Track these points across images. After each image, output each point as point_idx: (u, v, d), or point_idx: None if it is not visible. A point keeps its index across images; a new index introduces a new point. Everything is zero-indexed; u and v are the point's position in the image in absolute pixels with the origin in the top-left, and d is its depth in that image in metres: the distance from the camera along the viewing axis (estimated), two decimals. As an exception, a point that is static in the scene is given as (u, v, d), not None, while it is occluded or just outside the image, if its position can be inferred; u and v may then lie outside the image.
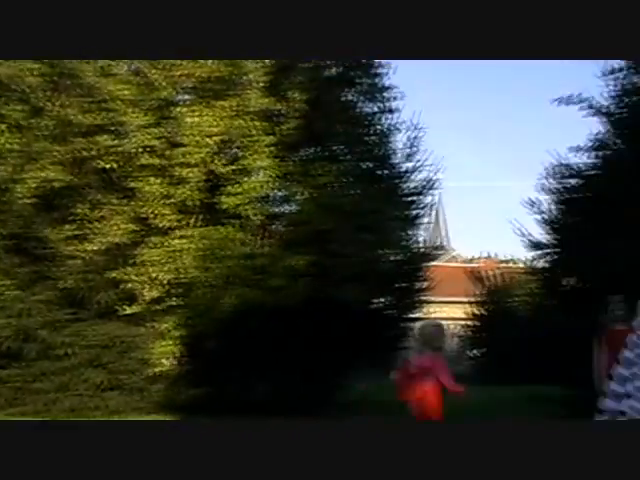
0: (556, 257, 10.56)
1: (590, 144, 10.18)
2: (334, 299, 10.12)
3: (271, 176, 10.57)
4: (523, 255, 25.06)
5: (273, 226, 11.44)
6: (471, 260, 33.14)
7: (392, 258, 11.43)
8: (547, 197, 10.75)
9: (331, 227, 10.03)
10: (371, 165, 11.75)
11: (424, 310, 14.54)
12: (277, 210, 11.31)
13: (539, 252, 11.01)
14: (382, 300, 12.26)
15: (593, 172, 10.30)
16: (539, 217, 10.77)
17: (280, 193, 11.18)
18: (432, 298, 22.10)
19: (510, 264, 24.96)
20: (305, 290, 10.00)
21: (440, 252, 32.87)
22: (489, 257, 31.27)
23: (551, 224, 10.66)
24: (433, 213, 41.97)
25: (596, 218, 9.69)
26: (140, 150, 10.41)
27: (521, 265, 14.42)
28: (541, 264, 11.29)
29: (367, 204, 10.27)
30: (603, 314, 7.43)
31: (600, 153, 10.10)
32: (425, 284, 13.69)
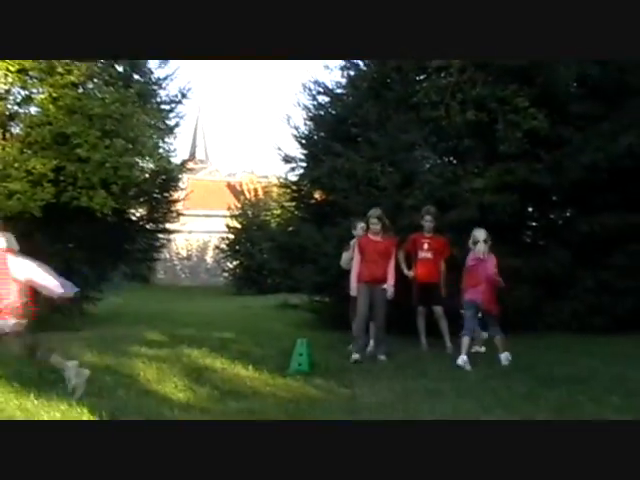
0: (305, 171, 10.93)
1: (340, 64, 10.53)
2: (80, 207, 9.47)
3: (8, 70, 9.33)
4: (279, 170, 25.99)
5: (11, 127, 10.24)
6: (232, 175, 33.39)
7: (146, 167, 10.92)
8: (300, 113, 10.99)
9: (76, 130, 9.23)
10: (123, 68, 10.95)
11: (181, 222, 14.36)
12: (15, 109, 10.08)
13: (291, 166, 11.27)
14: (134, 210, 11.78)
15: (340, 91, 10.75)
16: (293, 132, 11.02)
17: (18, 91, 9.95)
18: (192, 211, 22.05)
19: (268, 179, 25.60)
20: (48, 196, 9.20)
21: (200, 164, 32.63)
22: (249, 172, 31.81)
23: (302, 139, 10.98)
24: (192, 124, 40.86)
25: (340, 135, 10.20)
26: None
27: (276, 180, 14.75)
28: (293, 178, 11.59)
29: (118, 108, 9.59)
30: (354, 224, 7.82)
31: (346, 73, 10.52)
32: (182, 195, 13.48)
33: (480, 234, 6.86)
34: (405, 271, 7.80)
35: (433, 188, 8.87)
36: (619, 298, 8.57)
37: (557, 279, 8.92)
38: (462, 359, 6.55)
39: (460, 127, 8.92)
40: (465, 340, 6.66)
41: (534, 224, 10.33)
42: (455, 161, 9.61)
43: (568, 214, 9.74)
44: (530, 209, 10.00)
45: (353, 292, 7.27)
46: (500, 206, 8.54)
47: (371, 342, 7.32)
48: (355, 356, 6.94)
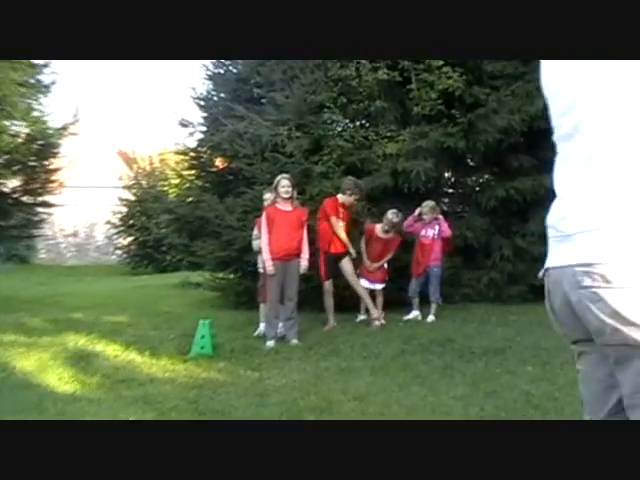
0: (204, 136, 10.72)
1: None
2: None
3: None
4: (176, 135, 25.34)
5: None
6: (123, 140, 32.36)
7: (19, 131, 10.38)
8: (198, 71, 10.76)
9: None
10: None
11: (64, 194, 13.80)
12: None
13: (189, 130, 11.02)
14: (7, 180, 11.20)
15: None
16: (190, 93, 10.76)
17: None
18: (78, 181, 21.23)
19: (164, 145, 24.96)
20: None
21: (85, 129, 31.32)
22: (142, 137, 30.94)
23: (200, 100, 10.75)
24: (75, 82, 38.85)
25: (243, 96, 10.07)
26: None
27: (173, 146, 14.40)
28: (191, 143, 11.34)
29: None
30: (270, 194, 7.54)
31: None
32: (64, 164, 12.91)
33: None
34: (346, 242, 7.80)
35: (343, 153, 8.93)
36: (534, 265, 8.98)
37: (474, 248, 9.24)
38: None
39: (371, 87, 8.99)
40: None
41: (450, 190, 10.63)
42: (367, 124, 9.69)
43: (484, 179, 10.07)
44: (446, 174, 10.27)
45: (270, 271, 6.93)
46: (415, 172, 8.72)
47: (280, 324, 7.21)
48: (270, 343, 6.80)
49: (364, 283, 8.11)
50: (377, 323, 7.65)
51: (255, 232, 7.62)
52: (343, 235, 7.72)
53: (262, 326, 7.40)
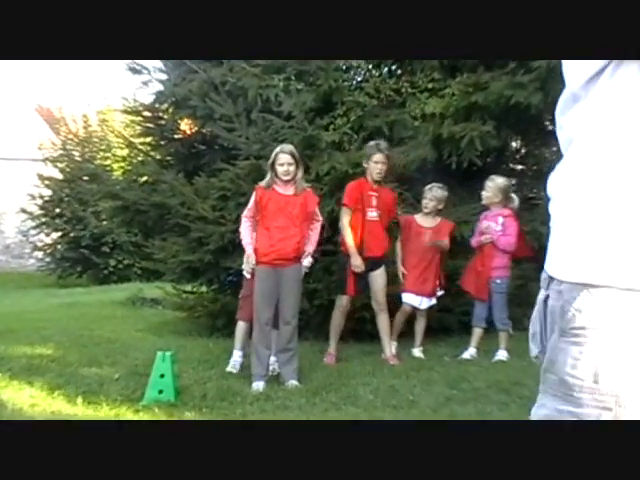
0: (165, 88, 10.74)
1: None
2: None
3: None
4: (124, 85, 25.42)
5: None
6: (46, 93, 32.64)
7: None
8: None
9: None
10: None
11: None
12: None
13: (143, 79, 11.04)
14: None
15: None
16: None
17: None
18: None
19: (106, 100, 25.16)
20: None
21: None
22: (74, 89, 31.16)
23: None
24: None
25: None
26: None
27: (120, 101, 14.52)
28: (145, 98, 11.40)
29: None
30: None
31: None
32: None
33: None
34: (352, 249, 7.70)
35: (365, 114, 8.97)
36: None
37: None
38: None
39: (405, 17, 9.04)
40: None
41: (519, 167, 10.66)
42: (398, 71, 9.73)
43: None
44: (513, 144, 10.30)
45: (250, 264, 6.99)
46: (467, 139, 8.75)
47: (273, 357, 7.20)
48: (258, 385, 6.78)
49: (407, 298, 8.08)
50: (392, 362, 7.72)
51: None
52: (349, 236, 7.68)
53: (237, 355, 7.45)
